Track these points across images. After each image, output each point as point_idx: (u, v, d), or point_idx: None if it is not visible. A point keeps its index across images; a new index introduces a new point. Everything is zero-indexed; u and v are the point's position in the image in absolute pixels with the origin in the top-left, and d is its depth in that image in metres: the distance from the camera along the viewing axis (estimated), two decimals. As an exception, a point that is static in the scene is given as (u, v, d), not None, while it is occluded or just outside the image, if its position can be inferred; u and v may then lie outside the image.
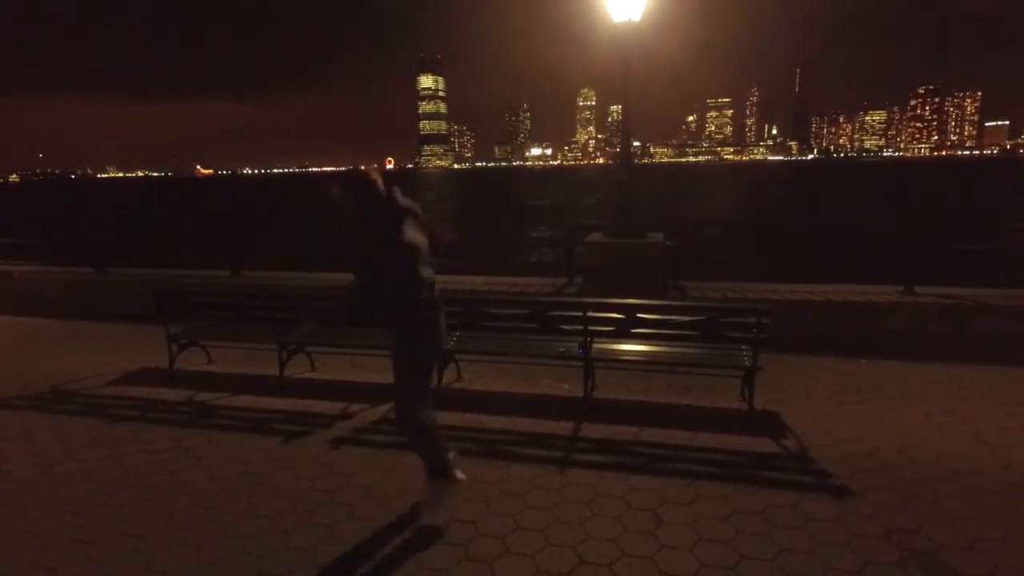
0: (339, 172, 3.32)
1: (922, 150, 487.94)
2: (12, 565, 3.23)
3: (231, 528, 3.50)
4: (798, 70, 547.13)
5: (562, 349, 5.20)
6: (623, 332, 4.93)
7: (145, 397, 5.58)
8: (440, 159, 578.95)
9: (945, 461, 4.03)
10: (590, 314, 4.85)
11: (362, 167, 3.36)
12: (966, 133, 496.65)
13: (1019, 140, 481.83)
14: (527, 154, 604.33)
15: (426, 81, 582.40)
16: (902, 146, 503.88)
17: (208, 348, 6.47)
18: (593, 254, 7.01)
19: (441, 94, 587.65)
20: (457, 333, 5.59)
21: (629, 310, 4.78)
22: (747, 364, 4.76)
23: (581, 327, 4.92)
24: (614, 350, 5.17)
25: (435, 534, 3.38)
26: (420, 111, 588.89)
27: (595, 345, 5.12)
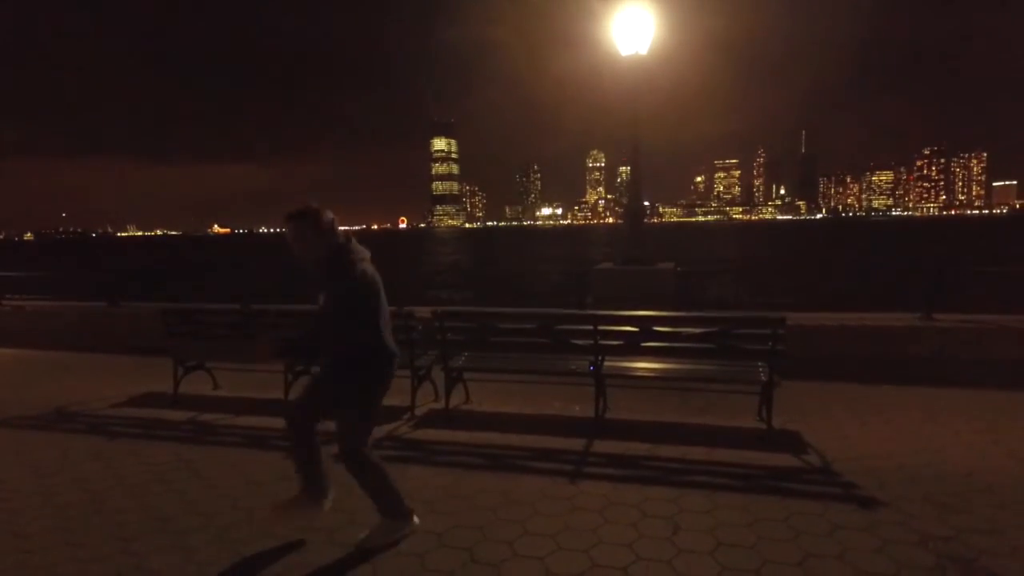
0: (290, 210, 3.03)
1: (930, 210, 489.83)
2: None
3: (227, 532, 3.35)
4: (803, 132, 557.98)
5: (573, 366, 5.08)
6: (635, 347, 4.82)
7: (147, 417, 5.48)
8: (452, 219, 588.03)
9: (978, 475, 3.81)
10: (601, 327, 4.76)
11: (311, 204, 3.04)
12: (974, 193, 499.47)
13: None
14: (538, 214, 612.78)
15: (439, 144, 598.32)
16: (910, 205, 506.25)
17: (214, 373, 6.39)
18: (604, 281, 6.96)
19: (454, 156, 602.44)
20: (466, 353, 5.50)
21: (641, 322, 4.69)
22: (763, 379, 4.61)
23: (592, 341, 4.82)
24: (626, 367, 5.04)
25: (440, 539, 3.21)
26: (433, 172, 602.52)
27: (606, 363, 5.00)
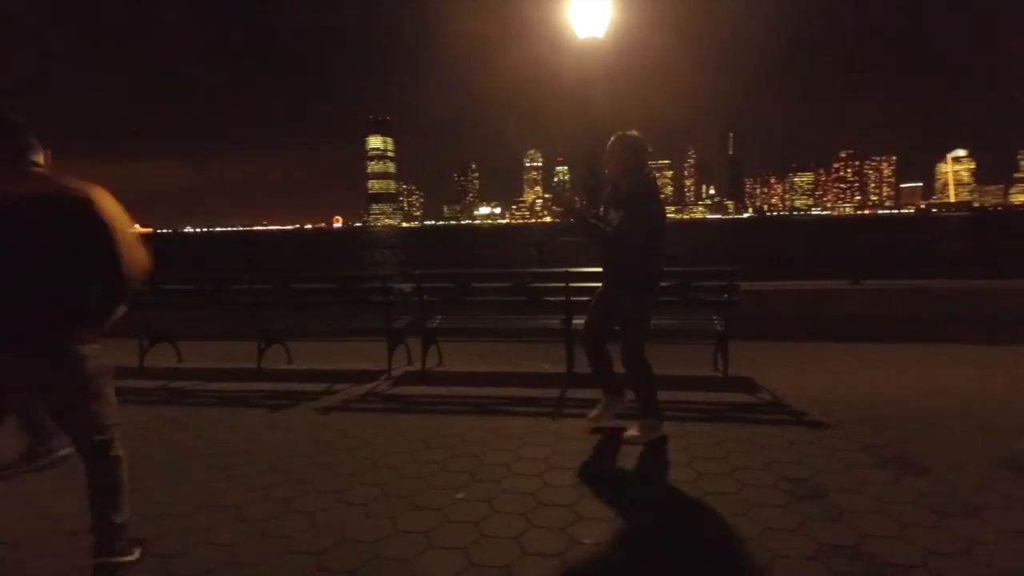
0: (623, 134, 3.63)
1: (846, 209, 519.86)
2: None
3: (229, 470, 3.46)
4: (731, 134, 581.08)
5: (545, 324, 5.37)
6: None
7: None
8: (389, 218, 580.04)
9: (909, 405, 4.33)
10: (572, 284, 5.07)
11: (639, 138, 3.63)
12: (885, 193, 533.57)
13: (931, 200, 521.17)
14: (476, 213, 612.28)
15: (375, 141, 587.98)
16: (829, 205, 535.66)
17: (178, 346, 6.32)
18: (564, 252, 7.29)
19: (391, 154, 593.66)
20: (439, 316, 5.70)
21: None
22: (720, 329, 5.05)
23: (564, 298, 5.13)
24: (594, 324, 5.37)
25: (440, 466, 3.44)
26: (369, 170, 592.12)
27: (575, 320, 5.31)
